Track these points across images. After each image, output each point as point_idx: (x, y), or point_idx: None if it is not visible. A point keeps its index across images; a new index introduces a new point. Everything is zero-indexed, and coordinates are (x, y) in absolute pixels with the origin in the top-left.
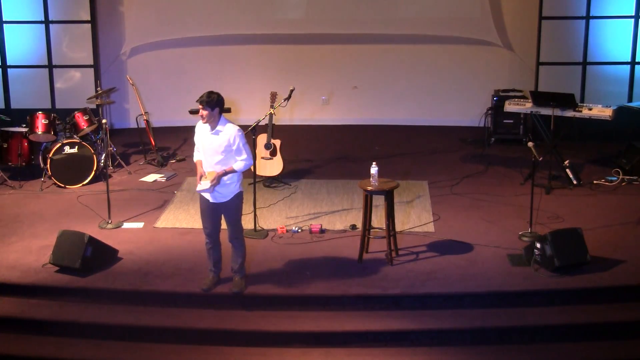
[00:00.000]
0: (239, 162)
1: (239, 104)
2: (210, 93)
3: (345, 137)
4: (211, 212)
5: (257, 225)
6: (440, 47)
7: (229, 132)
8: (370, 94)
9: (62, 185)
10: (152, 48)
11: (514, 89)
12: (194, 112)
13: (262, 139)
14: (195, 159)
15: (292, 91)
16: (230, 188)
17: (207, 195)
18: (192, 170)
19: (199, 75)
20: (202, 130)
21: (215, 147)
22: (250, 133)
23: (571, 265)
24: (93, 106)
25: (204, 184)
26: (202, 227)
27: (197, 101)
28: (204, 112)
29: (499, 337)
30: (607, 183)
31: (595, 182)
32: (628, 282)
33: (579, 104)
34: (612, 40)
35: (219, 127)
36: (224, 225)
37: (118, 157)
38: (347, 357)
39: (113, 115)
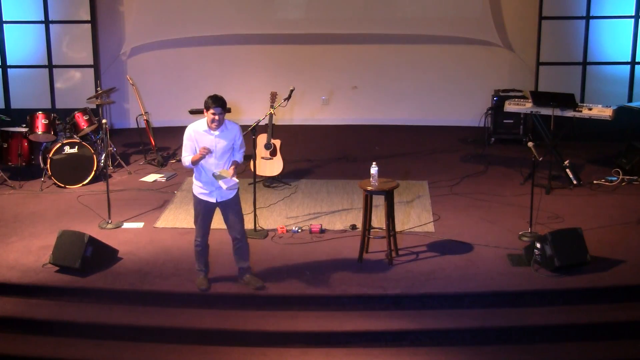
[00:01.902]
0: (239, 155)
1: (239, 104)
2: (216, 96)
3: (345, 137)
4: (210, 214)
5: (257, 225)
6: (440, 47)
7: (233, 129)
8: (370, 94)
9: (62, 185)
10: (152, 48)
11: (514, 89)
12: (194, 112)
13: (262, 139)
14: (186, 162)
15: (292, 91)
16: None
17: (210, 198)
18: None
19: (198, 76)
20: (203, 135)
21: (223, 146)
22: (250, 133)
23: (571, 265)
24: (93, 106)
25: (228, 181)
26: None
27: (212, 108)
28: (221, 116)
29: (499, 337)
30: (607, 183)
31: (595, 182)
32: (628, 282)
33: (579, 104)
34: (612, 40)
35: (223, 126)
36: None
37: (118, 157)
38: (347, 357)
39: (113, 115)
